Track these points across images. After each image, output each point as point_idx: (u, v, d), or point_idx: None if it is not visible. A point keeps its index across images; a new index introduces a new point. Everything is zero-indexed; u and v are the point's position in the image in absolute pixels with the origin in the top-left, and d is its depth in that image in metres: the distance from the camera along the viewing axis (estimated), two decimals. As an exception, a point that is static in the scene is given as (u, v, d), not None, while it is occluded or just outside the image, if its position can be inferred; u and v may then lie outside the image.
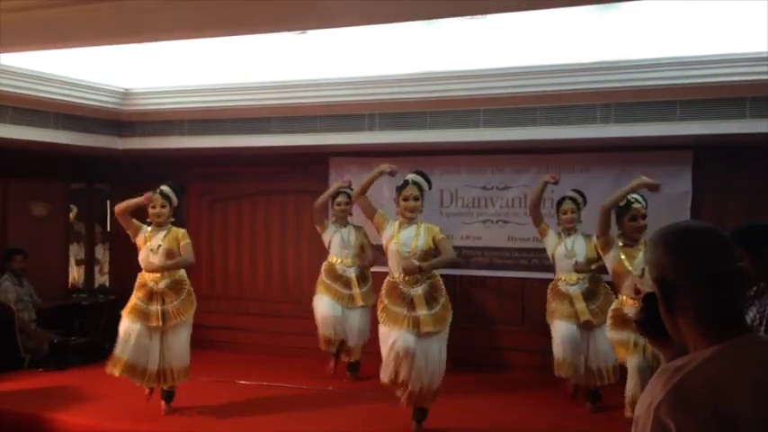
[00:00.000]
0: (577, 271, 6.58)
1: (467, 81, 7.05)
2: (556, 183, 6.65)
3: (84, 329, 8.89)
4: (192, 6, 4.19)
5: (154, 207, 6.49)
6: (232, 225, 9.42)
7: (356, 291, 7.54)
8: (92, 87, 7.86)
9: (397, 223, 6.05)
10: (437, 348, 5.91)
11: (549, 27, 6.31)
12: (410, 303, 5.89)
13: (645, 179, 5.71)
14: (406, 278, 5.93)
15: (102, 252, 10.24)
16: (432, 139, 7.49)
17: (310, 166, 8.85)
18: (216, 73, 7.82)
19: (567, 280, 6.69)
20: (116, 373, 6.32)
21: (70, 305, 9.21)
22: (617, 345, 5.64)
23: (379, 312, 6.07)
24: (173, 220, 6.61)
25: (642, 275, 5.35)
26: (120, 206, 6.56)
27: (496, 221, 8.16)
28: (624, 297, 5.58)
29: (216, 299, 9.43)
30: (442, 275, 8.12)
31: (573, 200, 6.74)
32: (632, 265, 5.46)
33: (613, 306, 5.74)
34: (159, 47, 6.98)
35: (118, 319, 6.65)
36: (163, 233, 6.50)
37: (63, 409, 6.58)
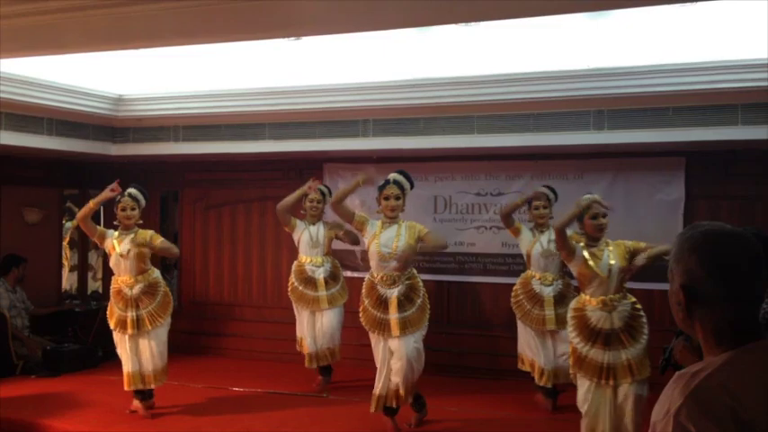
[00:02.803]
0: None
1: (460, 87, 7.06)
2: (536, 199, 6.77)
3: (77, 336, 8.87)
4: (185, 13, 4.18)
5: (124, 210, 6.51)
6: (226, 231, 9.41)
7: (322, 293, 7.44)
8: (85, 93, 7.85)
9: (379, 223, 6.13)
10: (409, 347, 5.94)
11: (543, 34, 6.32)
12: (385, 305, 6.00)
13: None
14: (384, 278, 6.02)
15: (95, 258, 10.23)
16: (425, 146, 7.50)
17: (304, 172, 8.84)
18: (209, 79, 7.81)
19: (543, 279, 6.76)
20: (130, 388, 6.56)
21: (63, 311, 9.19)
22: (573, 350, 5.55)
23: (360, 314, 6.21)
24: (141, 222, 6.60)
25: (609, 276, 5.33)
26: (81, 213, 6.55)
27: (490, 228, 8.16)
28: (588, 297, 5.43)
29: (210, 305, 9.43)
30: (435, 281, 8.20)
31: (544, 195, 6.82)
32: (598, 266, 5.36)
33: (574, 305, 5.55)
34: (152, 53, 6.97)
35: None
36: (130, 237, 6.52)
37: (56, 415, 6.56)
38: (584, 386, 5.38)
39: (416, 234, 6.03)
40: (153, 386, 6.59)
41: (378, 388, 6.07)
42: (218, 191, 9.40)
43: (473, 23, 6.20)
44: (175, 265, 9.98)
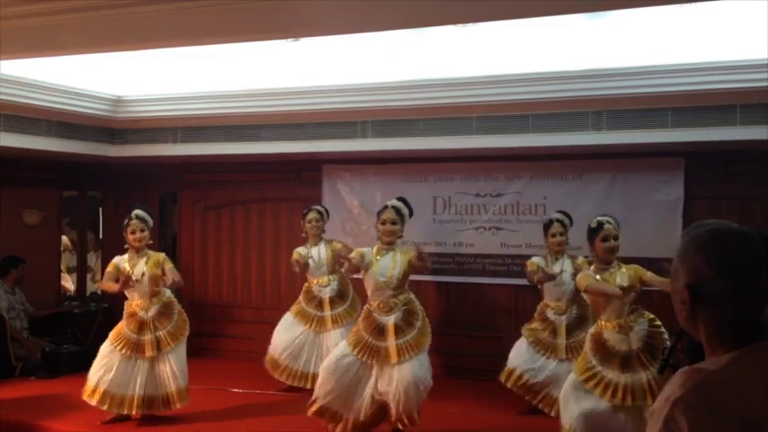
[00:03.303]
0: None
1: (459, 88, 7.06)
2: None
3: (76, 337, 8.86)
4: (184, 15, 4.19)
5: (134, 233, 6.43)
6: (225, 232, 9.41)
7: (327, 313, 7.40)
8: (84, 95, 7.85)
9: (374, 250, 6.05)
10: (412, 372, 5.79)
11: (541, 34, 6.33)
12: (381, 332, 5.89)
13: None
14: (381, 305, 5.94)
15: (94, 260, 10.23)
16: (424, 147, 7.50)
17: (303, 174, 8.85)
18: (208, 80, 7.81)
19: (557, 308, 6.62)
20: (93, 402, 6.33)
21: (62, 313, 9.18)
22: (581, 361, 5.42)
23: (351, 334, 6.11)
24: (150, 242, 6.60)
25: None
26: (107, 289, 6.60)
27: (489, 228, 8.16)
28: (604, 322, 5.31)
29: (209, 306, 9.42)
30: (434, 282, 8.20)
31: (561, 222, 6.65)
32: None
33: (593, 330, 5.45)
34: (151, 54, 6.98)
35: (110, 327, 6.66)
36: (143, 260, 6.48)
37: (55, 417, 6.56)
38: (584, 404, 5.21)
39: (409, 260, 5.94)
40: (179, 406, 6.45)
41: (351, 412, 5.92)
42: (216, 192, 9.40)
43: (471, 24, 6.20)
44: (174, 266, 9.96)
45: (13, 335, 8.19)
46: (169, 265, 6.55)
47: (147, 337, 6.39)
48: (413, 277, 8.27)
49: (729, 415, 1.53)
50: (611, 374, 5.20)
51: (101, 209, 10.23)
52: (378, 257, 5.98)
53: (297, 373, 7.43)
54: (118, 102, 8.26)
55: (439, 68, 7.06)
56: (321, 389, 5.91)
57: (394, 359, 5.80)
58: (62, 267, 10.11)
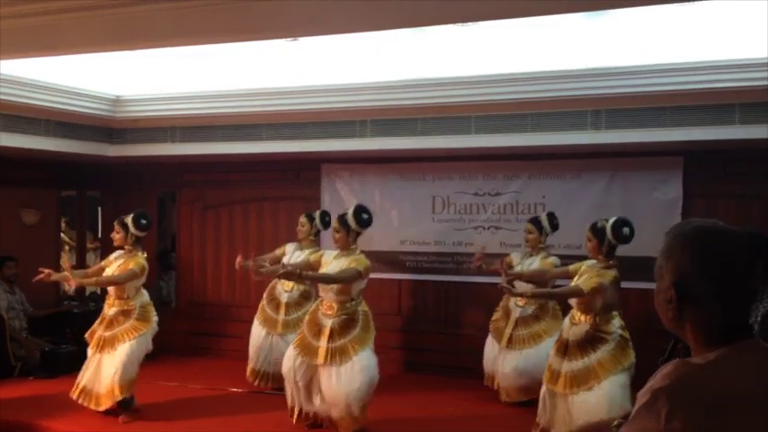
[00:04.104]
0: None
1: (458, 87, 7.06)
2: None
3: (75, 337, 8.85)
4: (183, 14, 4.18)
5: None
6: (224, 232, 9.40)
7: (280, 317, 7.45)
8: (82, 94, 7.84)
9: (335, 253, 6.27)
10: (339, 375, 5.93)
11: (540, 34, 6.32)
12: (319, 333, 6.06)
13: None
14: (325, 305, 6.12)
15: (93, 259, 10.21)
16: (423, 146, 7.49)
17: (302, 173, 8.85)
18: (206, 80, 7.80)
19: (517, 300, 6.89)
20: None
21: (61, 313, 9.17)
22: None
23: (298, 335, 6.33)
24: (128, 246, 6.66)
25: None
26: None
27: (488, 228, 8.16)
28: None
29: (208, 306, 9.42)
30: (433, 281, 8.20)
31: (532, 221, 7.03)
32: (575, 282, 5.74)
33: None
34: (149, 54, 6.97)
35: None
36: (122, 260, 6.62)
37: (54, 416, 6.56)
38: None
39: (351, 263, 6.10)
40: (102, 408, 6.46)
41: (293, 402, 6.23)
42: (215, 191, 9.39)
43: (470, 23, 6.19)
44: (173, 266, 9.97)
45: (12, 335, 8.19)
46: (127, 266, 6.55)
47: (99, 333, 6.56)
48: (412, 276, 8.36)
49: (712, 408, 1.52)
50: (554, 360, 5.65)
51: (99, 208, 10.22)
52: (333, 260, 6.19)
53: (258, 372, 7.55)
54: (116, 101, 8.25)
55: (438, 68, 7.06)
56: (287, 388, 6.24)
57: (320, 360, 5.98)
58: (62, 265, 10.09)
